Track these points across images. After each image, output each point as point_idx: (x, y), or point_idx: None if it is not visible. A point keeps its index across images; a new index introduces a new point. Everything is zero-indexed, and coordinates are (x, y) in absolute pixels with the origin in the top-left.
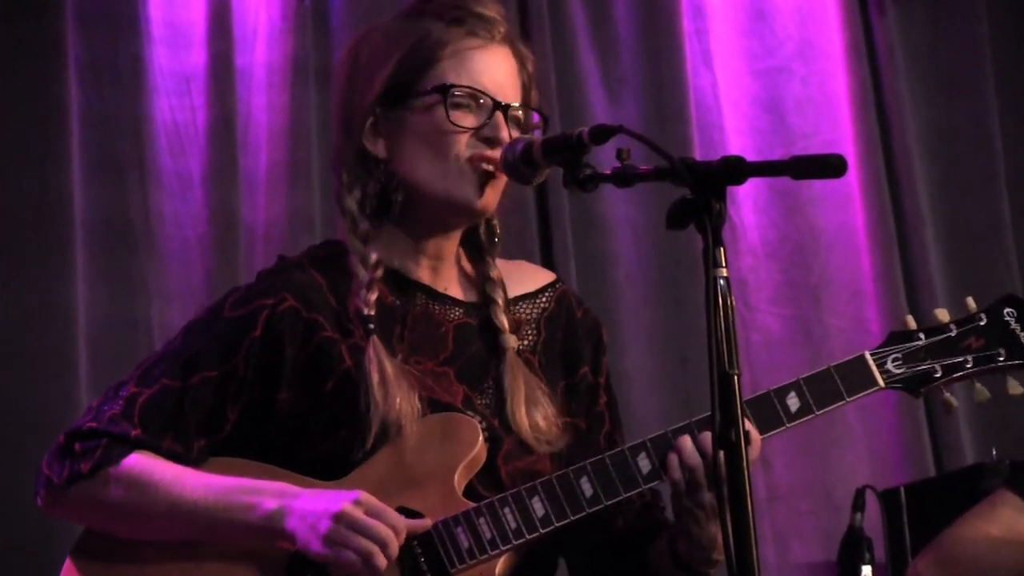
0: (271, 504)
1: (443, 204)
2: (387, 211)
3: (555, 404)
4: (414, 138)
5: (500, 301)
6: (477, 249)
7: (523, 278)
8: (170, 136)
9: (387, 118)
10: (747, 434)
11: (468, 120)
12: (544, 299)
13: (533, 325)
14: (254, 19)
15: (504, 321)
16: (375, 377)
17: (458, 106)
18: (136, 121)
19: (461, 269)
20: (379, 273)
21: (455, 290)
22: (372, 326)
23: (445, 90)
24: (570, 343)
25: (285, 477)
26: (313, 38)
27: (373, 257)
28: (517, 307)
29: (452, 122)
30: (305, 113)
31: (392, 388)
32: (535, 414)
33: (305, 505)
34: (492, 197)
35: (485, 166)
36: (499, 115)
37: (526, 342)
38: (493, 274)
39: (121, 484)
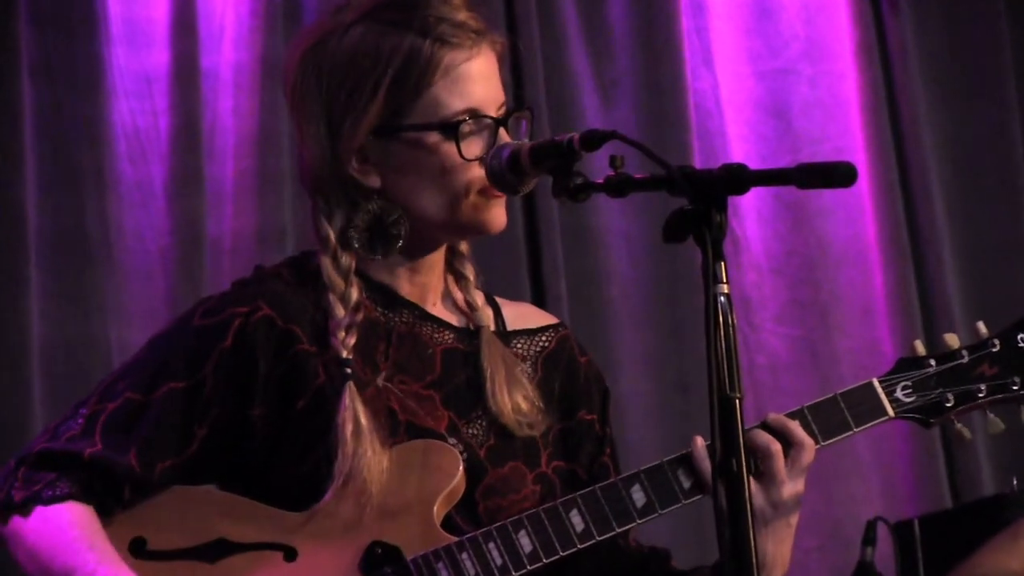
0: None
1: (457, 231)
2: (374, 247)
3: (533, 386)
4: (415, 170)
5: (471, 277)
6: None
7: (523, 315)
8: (130, 142)
9: (379, 148)
10: (752, 461)
11: (475, 147)
12: (544, 338)
13: (530, 363)
14: (220, 16)
15: (477, 298)
16: (349, 427)
17: (463, 134)
18: (94, 126)
19: (448, 292)
20: (359, 317)
21: (444, 313)
22: (350, 371)
23: (455, 127)
24: (571, 386)
25: (251, 508)
26: (284, 37)
27: (354, 297)
28: (514, 342)
29: (464, 157)
30: (275, 117)
31: (364, 443)
32: (516, 394)
33: None
34: (504, 215)
35: (499, 193)
36: (502, 130)
37: None
38: (463, 250)
39: (45, 525)
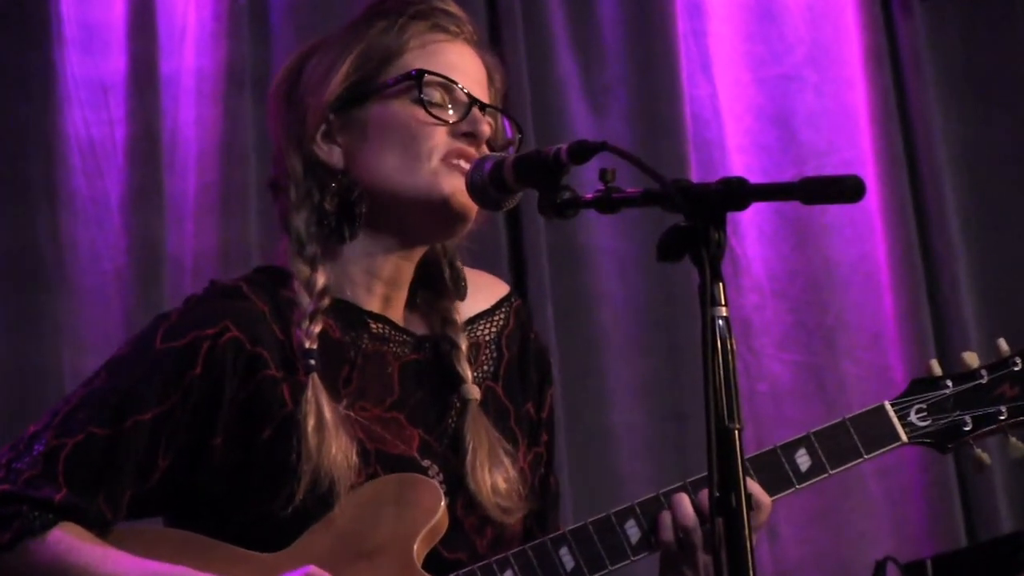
0: None
1: (418, 208)
2: (342, 231)
3: (515, 465)
4: (379, 136)
5: (463, 347)
6: (434, 284)
7: (476, 293)
8: (84, 154)
9: (344, 121)
10: (751, 497)
11: (442, 112)
12: (501, 316)
13: (493, 346)
14: (182, 19)
15: (467, 371)
16: (311, 422)
17: (432, 98)
18: (45, 137)
19: (412, 298)
20: (325, 302)
21: (406, 321)
22: (313, 362)
23: (419, 76)
24: (524, 367)
25: (216, 550)
26: (250, 41)
27: (320, 283)
28: (475, 328)
29: (429, 112)
30: (240, 128)
31: (328, 437)
32: (496, 475)
33: None
34: (462, 186)
35: (464, 164)
36: (476, 110)
37: (486, 367)
38: (455, 317)
39: (45, 559)
